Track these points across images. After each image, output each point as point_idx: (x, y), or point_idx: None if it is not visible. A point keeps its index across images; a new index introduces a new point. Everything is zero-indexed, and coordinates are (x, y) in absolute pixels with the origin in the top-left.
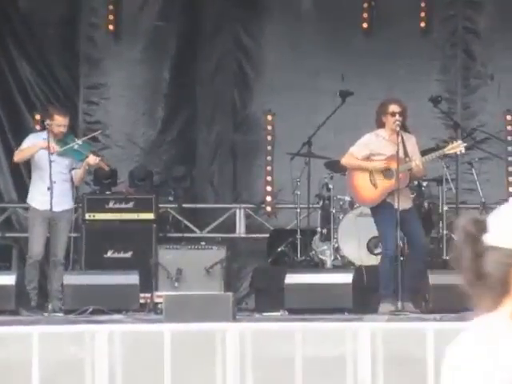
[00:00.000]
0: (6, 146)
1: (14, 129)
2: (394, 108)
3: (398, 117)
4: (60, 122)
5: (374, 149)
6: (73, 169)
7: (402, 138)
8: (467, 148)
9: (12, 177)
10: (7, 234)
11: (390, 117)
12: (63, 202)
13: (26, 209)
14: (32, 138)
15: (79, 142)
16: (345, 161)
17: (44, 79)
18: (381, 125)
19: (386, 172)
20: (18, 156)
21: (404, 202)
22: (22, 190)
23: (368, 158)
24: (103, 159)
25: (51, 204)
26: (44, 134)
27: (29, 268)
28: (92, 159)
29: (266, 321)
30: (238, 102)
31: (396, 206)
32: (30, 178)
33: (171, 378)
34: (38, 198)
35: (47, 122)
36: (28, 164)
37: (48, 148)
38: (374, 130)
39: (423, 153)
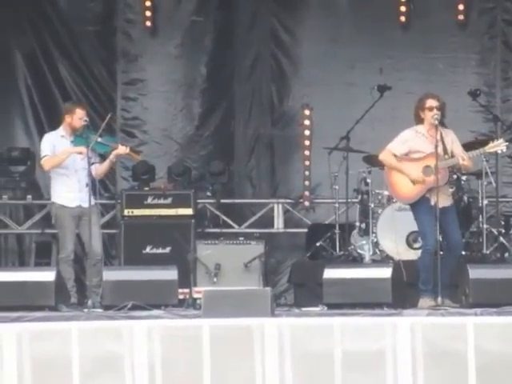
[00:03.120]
0: None
1: (53, 128)
2: (431, 103)
3: (435, 111)
4: (81, 114)
5: (412, 146)
6: (92, 163)
7: (441, 133)
8: (507, 141)
9: None
10: (47, 231)
11: (427, 112)
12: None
13: None
14: (49, 137)
15: (100, 134)
16: (382, 157)
17: (82, 76)
18: (419, 121)
19: (425, 169)
20: (50, 164)
21: (443, 200)
22: None
23: (407, 155)
24: (132, 148)
25: (89, 201)
26: (59, 132)
27: (63, 266)
28: (122, 149)
29: (304, 316)
30: (275, 97)
31: (433, 203)
32: None
33: (210, 373)
34: (66, 195)
35: (67, 118)
36: None
37: (87, 152)
38: (411, 123)
39: (464, 147)
